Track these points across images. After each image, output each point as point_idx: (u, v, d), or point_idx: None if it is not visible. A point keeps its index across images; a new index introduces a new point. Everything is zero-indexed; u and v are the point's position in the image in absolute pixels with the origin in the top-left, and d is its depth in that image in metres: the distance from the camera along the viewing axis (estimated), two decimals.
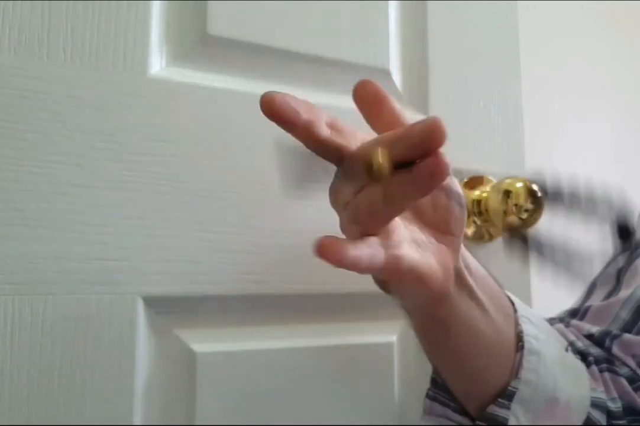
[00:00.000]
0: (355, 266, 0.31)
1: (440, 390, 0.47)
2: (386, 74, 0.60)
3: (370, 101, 0.39)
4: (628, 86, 1.24)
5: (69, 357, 0.44)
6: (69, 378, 0.44)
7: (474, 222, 0.61)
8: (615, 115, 1.22)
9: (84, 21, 0.47)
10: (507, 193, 0.58)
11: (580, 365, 0.47)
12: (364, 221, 0.33)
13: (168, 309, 0.48)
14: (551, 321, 0.54)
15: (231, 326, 0.50)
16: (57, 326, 0.44)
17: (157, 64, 0.50)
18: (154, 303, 0.48)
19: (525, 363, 0.42)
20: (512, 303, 0.45)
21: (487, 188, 0.61)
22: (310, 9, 0.56)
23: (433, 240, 0.38)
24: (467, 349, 0.41)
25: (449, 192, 0.37)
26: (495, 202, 0.59)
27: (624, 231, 0.38)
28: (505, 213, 0.58)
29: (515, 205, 0.58)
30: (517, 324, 0.43)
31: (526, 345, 0.42)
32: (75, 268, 0.45)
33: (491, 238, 0.63)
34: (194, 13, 0.51)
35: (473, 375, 0.43)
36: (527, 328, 0.43)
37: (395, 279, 0.35)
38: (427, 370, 0.58)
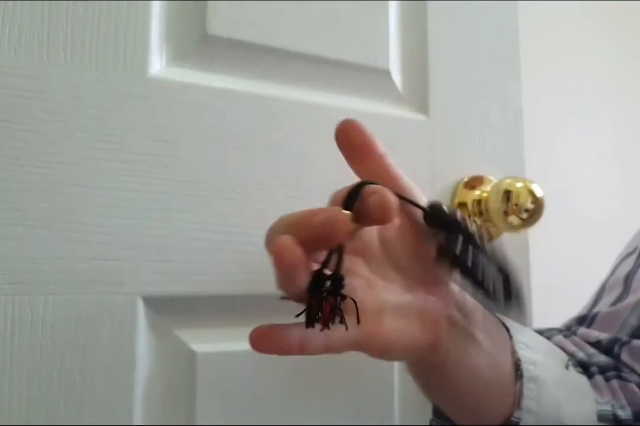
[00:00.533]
0: (287, 352, 0.32)
1: (444, 420, 0.46)
2: (386, 74, 0.60)
3: (352, 146, 0.37)
4: (628, 86, 1.24)
5: (69, 357, 0.44)
6: (69, 378, 0.44)
7: (475, 222, 0.61)
8: (615, 115, 1.22)
9: (84, 21, 0.47)
10: (507, 193, 0.58)
11: (583, 379, 0.46)
12: None
13: (168, 309, 0.48)
14: (552, 332, 0.53)
15: (231, 326, 0.50)
16: (57, 326, 0.44)
17: (157, 64, 0.50)
18: (154, 303, 0.48)
19: (525, 392, 0.42)
20: (507, 329, 0.44)
21: (487, 188, 0.61)
22: (310, 9, 0.56)
23: (420, 294, 0.37)
24: (467, 388, 0.41)
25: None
26: (495, 202, 0.59)
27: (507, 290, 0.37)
28: (505, 213, 0.58)
29: (515, 205, 0.58)
30: (513, 351, 0.43)
31: (525, 373, 0.42)
32: (75, 268, 0.45)
33: (491, 238, 0.63)
34: (194, 13, 0.51)
35: (475, 409, 0.42)
36: (524, 355, 0.43)
37: (377, 355, 0.35)
38: None
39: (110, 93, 0.47)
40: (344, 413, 0.54)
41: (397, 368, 0.57)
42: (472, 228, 0.36)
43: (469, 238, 0.35)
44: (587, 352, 0.50)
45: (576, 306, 0.59)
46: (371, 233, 0.38)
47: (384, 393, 0.56)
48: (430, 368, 0.40)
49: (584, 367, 0.48)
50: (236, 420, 0.49)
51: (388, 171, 0.37)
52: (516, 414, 0.42)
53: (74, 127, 0.46)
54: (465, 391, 0.41)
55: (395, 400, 0.57)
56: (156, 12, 0.50)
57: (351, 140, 0.36)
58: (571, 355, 0.49)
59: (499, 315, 0.45)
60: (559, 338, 0.52)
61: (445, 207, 0.36)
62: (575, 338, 0.52)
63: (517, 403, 0.42)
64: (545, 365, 0.44)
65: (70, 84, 0.46)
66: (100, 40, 0.47)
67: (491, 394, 0.42)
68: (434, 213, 0.36)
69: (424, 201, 0.38)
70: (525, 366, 0.42)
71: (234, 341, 0.50)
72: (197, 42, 0.51)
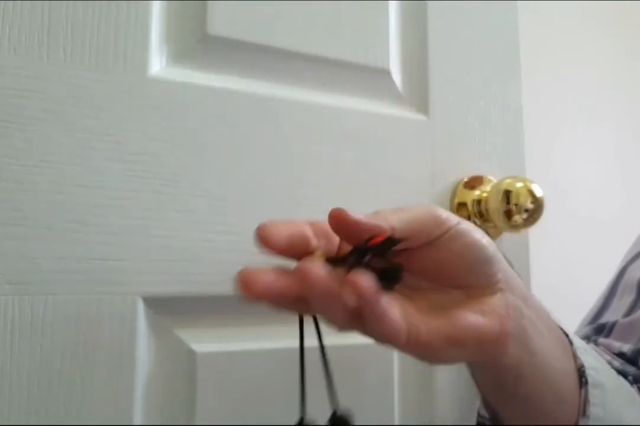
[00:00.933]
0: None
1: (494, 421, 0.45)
2: (386, 74, 0.60)
3: (345, 232, 0.35)
4: (628, 86, 1.24)
5: (69, 357, 0.44)
6: (69, 378, 0.44)
7: (474, 222, 0.61)
8: (615, 115, 1.22)
9: (84, 21, 0.47)
10: (507, 193, 0.58)
11: (629, 386, 0.46)
12: None
13: (168, 309, 0.48)
14: (587, 341, 0.53)
15: (231, 326, 0.50)
16: (57, 326, 0.44)
17: (157, 64, 0.50)
18: (154, 303, 0.47)
19: (591, 399, 0.41)
20: (566, 334, 0.43)
21: (487, 188, 0.61)
22: (310, 9, 0.56)
23: (467, 298, 0.36)
24: (538, 390, 0.39)
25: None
26: (495, 202, 0.59)
27: None
28: (505, 212, 0.58)
29: (515, 205, 0.58)
30: (575, 357, 0.42)
31: (589, 379, 0.41)
32: (75, 268, 0.45)
33: (491, 238, 0.63)
34: (194, 13, 0.51)
35: (541, 415, 0.41)
36: (587, 360, 0.42)
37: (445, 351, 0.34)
38: (428, 369, 0.58)
39: (110, 93, 0.47)
40: None
41: (397, 368, 0.57)
42: None
43: None
44: (619, 361, 0.49)
45: (576, 306, 0.59)
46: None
47: (384, 393, 0.56)
48: (503, 370, 0.38)
49: (622, 376, 0.47)
50: (236, 420, 0.49)
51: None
52: (582, 421, 0.40)
53: (74, 127, 0.46)
54: (535, 394, 0.40)
55: (395, 400, 0.57)
56: (156, 12, 0.50)
57: (341, 227, 0.34)
58: (609, 363, 0.47)
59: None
60: (593, 346, 0.51)
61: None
62: (602, 347, 0.51)
63: (581, 410, 0.41)
64: (605, 371, 0.43)
65: (70, 84, 0.46)
66: (100, 40, 0.47)
67: (560, 398, 0.41)
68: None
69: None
70: (589, 372, 0.41)
71: (234, 341, 0.50)
72: (197, 42, 0.51)
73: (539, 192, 0.59)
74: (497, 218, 0.59)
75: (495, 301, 0.36)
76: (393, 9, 0.61)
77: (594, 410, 0.41)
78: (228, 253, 0.50)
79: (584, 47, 1.18)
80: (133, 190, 0.47)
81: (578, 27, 1.17)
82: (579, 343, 0.43)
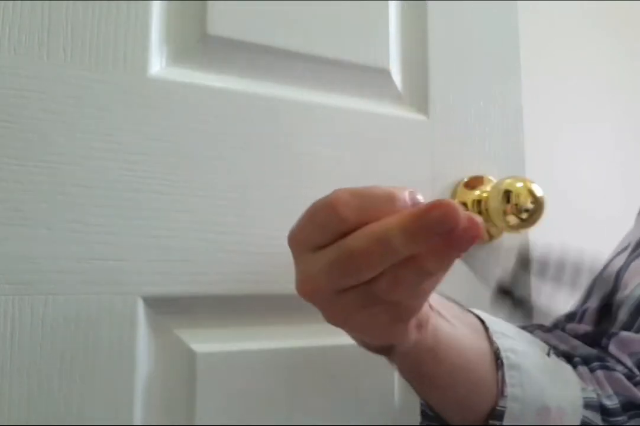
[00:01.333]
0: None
1: (431, 422, 0.46)
2: (386, 74, 0.60)
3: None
4: (628, 86, 1.24)
5: (69, 357, 0.44)
6: (69, 378, 0.44)
7: None
8: (615, 115, 1.22)
9: (84, 21, 0.47)
10: (507, 193, 0.58)
11: (566, 366, 0.46)
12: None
13: (168, 309, 0.48)
14: (531, 327, 0.54)
15: (231, 326, 0.50)
16: (57, 326, 0.44)
17: (157, 64, 0.50)
18: (154, 303, 0.48)
19: (507, 379, 0.42)
20: (481, 321, 0.44)
21: (487, 188, 0.61)
22: (310, 9, 0.56)
23: None
24: (457, 371, 0.41)
25: None
26: (495, 202, 0.59)
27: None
28: (505, 213, 0.58)
29: (515, 205, 0.58)
30: (491, 341, 0.43)
31: (505, 361, 0.42)
32: (75, 268, 0.45)
33: (491, 238, 0.63)
34: (194, 13, 0.51)
35: (465, 400, 0.42)
36: (502, 343, 0.43)
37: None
38: None
39: (110, 93, 0.47)
40: (344, 413, 0.54)
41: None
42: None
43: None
44: (571, 344, 0.50)
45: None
46: None
47: (384, 393, 0.56)
48: (422, 351, 0.39)
49: (567, 358, 0.48)
50: (236, 420, 0.49)
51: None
52: (501, 403, 0.41)
53: (74, 127, 0.46)
54: (457, 375, 0.41)
55: (395, 400, 0.57)
56: (156, 12, 0.50)
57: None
58: (553, 347, 0.49)
59: (467, 307, 0.45)
60: (539, 333, 0.52)
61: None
62: (558, 332, 0.52)
63: (500, 391, 0.42)
64: (525, 352, 0.44)
65: (70, 84, 0.46)
66: (100, 40, 0.47)
67: (478, 379, 0.42)
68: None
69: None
70: (505, 354, 0.43)
71: (234, 341, 0.50)
72: (197, 42, 0.51)
73: (539, 192, 0.59)
74: (497, 218, 0.59)
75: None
76: (393, 9, 0.61)
77: (511, 390, 0.42)
78: (228, 253, 0.50)
79: (584, 47, 1.18)
80: (133, 190, 0.47)
81: (578, 27, 1.17)
82: (498, 328, 0.44)
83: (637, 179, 1.22)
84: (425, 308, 0.36)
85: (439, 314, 0.40)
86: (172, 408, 0.48)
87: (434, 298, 0.40)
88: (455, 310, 0.43)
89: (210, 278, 0.49)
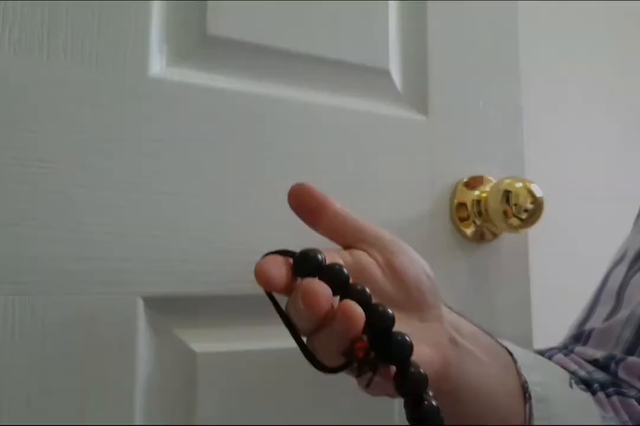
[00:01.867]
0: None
1: None
2: (386, 74, 0.60)
3: (305, 209, 0.39)
4: (628, 86, 1.24)
5: (69, 357, 0.44)
6: (69, 378, 0.44)
7: (474, 222, 0.61)
8: (616, 115, 1.22)
9: (84, 21, 0.47)
10: (506, 193, 0.58)
11: (587, 396, 0.47)
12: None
13: (168, 309, 0.48)
14: (552, 351, 0.54)
15: (231, 326, 0.50)
16: (57, 326, 0.44)
17: (157, 64, 0.50)
18: (154, 303, 0.47)
19: (535, 413, 0.42)
20: (510, 353, 0.45)
21: (487, 188, 0.61)
22: (310, 9, 0.56)
23: (416, 322, 0.38)
24: (479, 411, 0.41)
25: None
26: (494, 203, 0.59)
27: None
28: (504, 213, 0.58)
29: (515, 205, 0.58)
30: (519, 374, 0.44)
31: (533, 394, 0.43)
32: (75, 268, 0.45)
33: (491, 237, 0.63)
34: (194, 13, 0.51)
35: None
36: (531, 377, 0.44)
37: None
38: None
39: (110, 93, 0.47)
40: (344, 413, 0.54)
41: None
42: (345, 272, 0.36)
43: (342, 284, 0.36)
44: (587, 369, 0.50)
45: (576, 306, 0.59)
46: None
47: None
48: (442, 394, 0.39)
49: (587, 384, 0.48)
50: (236, 420, 0.49)
51: (345, 226, 0.39)
52: None
53: (74, 127, 0.46)
54: (478, 416, 0.41)
55: (395, 400, 0.57)
56: (156, 12, 0.50)
57: (303, 203, 0.39)
58: (573, 373, 0.49)
59: (499, 339, 0.45)
60: (560, 356, 0.52)
61: (316, 255, 0.36)
62: (574, 356, 0.52)
63: (527, 424, 0.42)
64: (551, 385, 0.44)
65: (70, 84, 0.46)
66: (100, 40, 0.47)
67: (503, 417, 0.42)
68: (302, 261, 0.36)
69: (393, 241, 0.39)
70: (533, 388, 0.43)
71: (234, 341, 0.50)
72: (197, 42, 0.51)
73: (538, 193, 0.59)
74: (497, 218, 0.59)
75: (437, 330, 0.39)
76: (393, 9, 0.61)
77: (539, 424, 0.42)
78: (228, 253, 0.50)
79: (584, 47, 1.18)
80: (133, 190, 0.47)
81: (578, 27, 1.17)
82: (526, 361, 0.45)
83: (637, 179, 1.22)
84: (439, 355, 0.37)
85: (467, 351, 0.40)
86: (172, 408, 0.48)
87: (465, 330, 0.40)
88: (487, 345, 0.43)
89: (210, 278, 0.49)
